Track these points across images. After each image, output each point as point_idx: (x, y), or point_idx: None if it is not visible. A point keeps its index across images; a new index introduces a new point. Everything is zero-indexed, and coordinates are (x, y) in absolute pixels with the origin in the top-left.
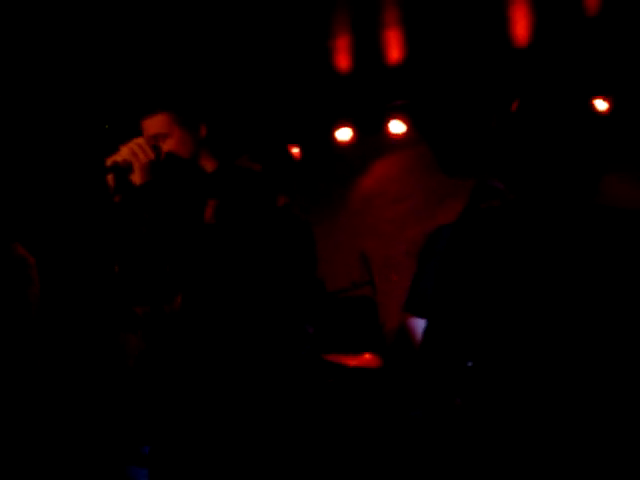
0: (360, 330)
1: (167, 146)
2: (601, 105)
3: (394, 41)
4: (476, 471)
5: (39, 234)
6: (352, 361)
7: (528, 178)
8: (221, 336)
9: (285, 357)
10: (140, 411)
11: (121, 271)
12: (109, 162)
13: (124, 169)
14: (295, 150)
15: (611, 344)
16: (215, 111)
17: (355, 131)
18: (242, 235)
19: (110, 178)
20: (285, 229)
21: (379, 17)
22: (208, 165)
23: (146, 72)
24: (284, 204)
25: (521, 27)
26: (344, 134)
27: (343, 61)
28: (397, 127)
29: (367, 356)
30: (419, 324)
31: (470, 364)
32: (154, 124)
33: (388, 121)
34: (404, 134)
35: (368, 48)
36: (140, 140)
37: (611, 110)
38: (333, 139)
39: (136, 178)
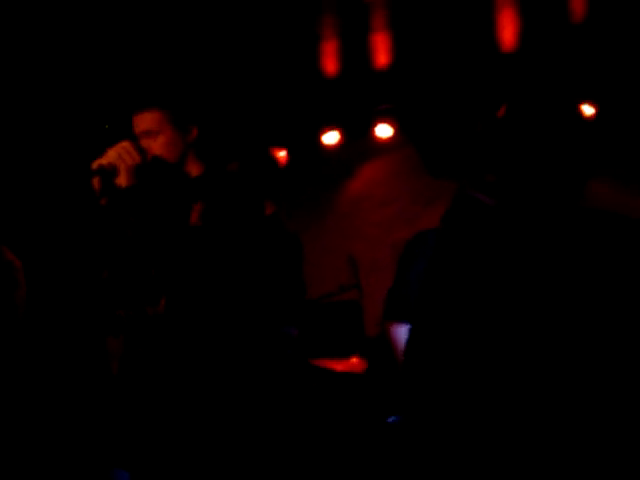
0: (347, 334)
1: (156, 144)
2: (587, 110)
3: (381, 45)
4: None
5: (25, 237)
6: (339, 365)
7: (515, 182)
8: (204, 339)
9: (267, 360)
10: (123, 415)
11: (108, 275)
12: (95, 165)
13: (110, 172)
14: (282, 154)
15: (596, 348)
16: (206, 114)
17: (342, 135)
18: (227, 239)
19: (96, 181)
20: (271, 236)
21: (366, 21)
22: (194, 169)
23: (139, 70)
24: (272, 212)
25: (508, 32)
26: (331, 138)
27: (330, 65)
28: (384, 131)
29: (354, 360)
30: (400, 330)
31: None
32: (146, 120)
33: (375, 125)
34: (391, 138)
35: (355, 52)
36: (126, 143)
37: (597, 115)
38: (320, 143)
39: (122, 181)
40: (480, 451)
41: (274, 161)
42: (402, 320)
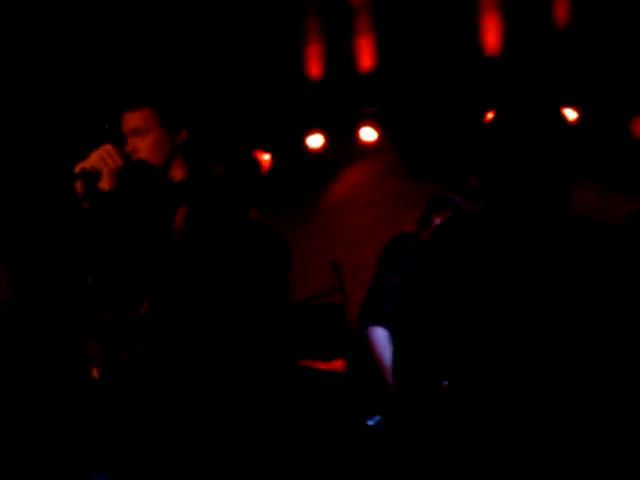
0: (331, 337)
1: (143, 144)
2: (570, 115)
3: (365, 48)
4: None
5: (8, 241)
6: (323, 367)
7: (499, 187)
8: (188, 341)
9: (252, 362)
10: (103, 419)
11: (92, 279)
12: (77, 169)
13: (92, 176)
14: (266, 157)
15: (579, 352)
16: (196, 117)
17: (326, 138)
18: (211, 243)
19: (78, 185)
20: (255, 239)
21: (351, 24)
22: (179, 172)
23: (128, 71)
24: (254, 217)
25: (492, 36)
26: (315, 141)
27: (315, 68)
28: (368, 134)
29: (338, 362)
30: (378, 333)
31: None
32: (135, 118)
33: (359, 128)
34: (375, 141)
35: (339, 55)
36: (109, 146)
37: (579, 120)
38: (304, 146)
39: (104, 184)
40: (473, 452)
41: (257, 165)
42: (379, 323)
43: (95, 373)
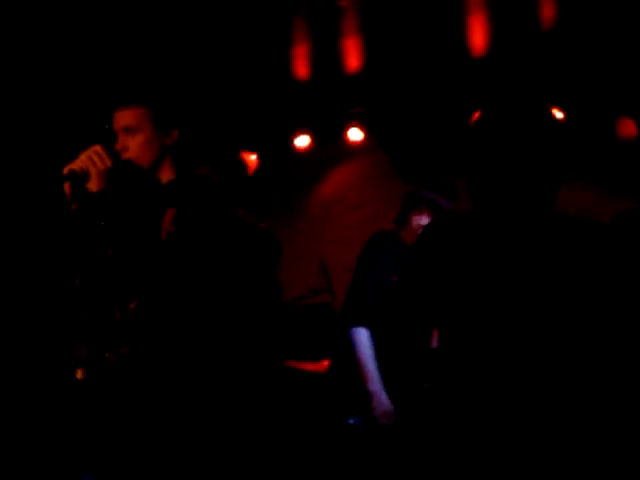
0: (319, 337)
1: (134, 142)
2: (557, 115)
3: (352, 49)
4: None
5: None
6: (310, 368)
7: (487, 186)
8: (176, 342)
9: (240, 363)
10: (89, 420)
11: (79, 280)
12: (66, 170)
13: (81, 177)
14: (253, 157)
15: (566, 347)
16: (187, 118)
17: (313, 138)
18: (200, 243)
19: (67, 186)
20: (242, 238)
21: (338, 25)
22: (166, 174)
23: (121, 70)
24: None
25: (478, 37)
26: (302, 141)
27: (302, 68)
28: (355, 135)
29: (326, 363)
30: (360, 333)
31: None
32: (127, 116)
33: (346, 128)
34: (362, 141)
35: (326, 56)
36: (98, 147)
37: (566, 120)
38: (291, 146)
39: (93, 185)
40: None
41: (243, 166)
42: (361, 324)
43: (80, 374)
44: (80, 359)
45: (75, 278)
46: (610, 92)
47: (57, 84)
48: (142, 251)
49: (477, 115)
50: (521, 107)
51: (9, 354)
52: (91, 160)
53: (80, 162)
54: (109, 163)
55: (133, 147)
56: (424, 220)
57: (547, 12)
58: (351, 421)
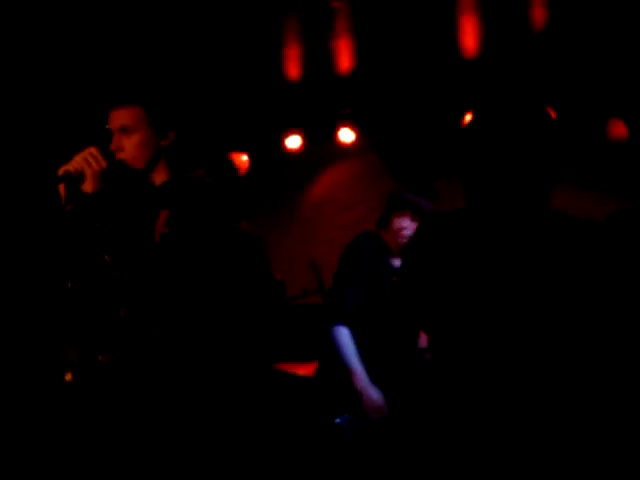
0: (310, 338)
1: (130, 142)
2: (552, 114)
3: (344, 50)
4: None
5: None
6: (302, 369)
7: (481, 186)
8: (168, 343)
9: (232, 366)
10: (80, 424)
11: (72, 282)
12: (61, 171)
13: (76, 178)
14: (244, 158)
15: (561, 345)
16: (184, 120)
17: (304, 139)
18: (192, 245)
19: (62, 187)
20: (235, 242)
21: (329, 26)
22: (160, 175)
23: (117, 70)
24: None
25: (470, 39)
26: (294, 142)
27: (293, 69)
28: (346, 135)
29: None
30: (342, 333)
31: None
32: (123, 115)
33: (338, 129)
34: (354, 142)
35: (318, 57)
36: (93, 149)
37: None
38: (283, 147)
39: (87, 187)
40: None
41: (233, 168)
42: (342, 323)
43: (69, 377)
44: (70, 362)
45: (67, 280)
46: (601, 93)
47: (54, 84)
48: (136, 253)
49: (472, 114)
50: (516, 106)
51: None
52: (86, 161)
53: (75, 163)
54: (104, 164)
55: (128, 147)
56: (405, 222)
57: (538, 13)
58: (338, 420)
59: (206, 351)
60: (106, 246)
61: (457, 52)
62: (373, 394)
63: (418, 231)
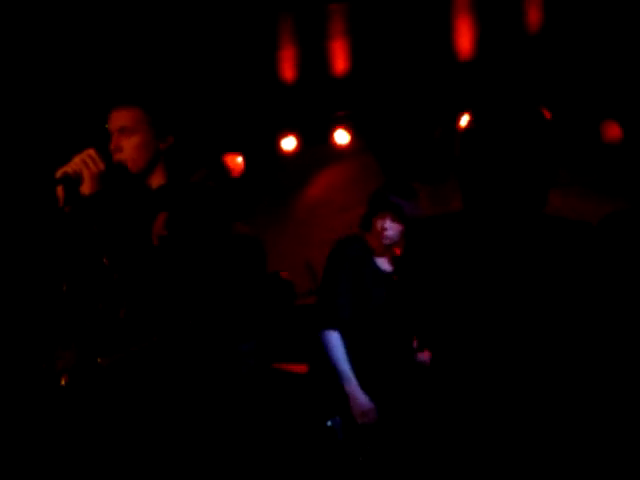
0: (306, 339)
1: (129, 143)
2: (548, 116)
3: (339, 52)
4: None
5: None
6: (298, 369)
7: (479, 189)
8: (165, 347)
9: (229, 369)
10: (74, 428)
11: (67, 285)
12: (59, 173)
13: (74, 180)
14: (239, 160)
15: (560, 348)
16: (183, 123)
17: (300, 141)
18: (191, 247)
19: (60, 189)
20: (233, 244)
21: (325, 28)
22: (157, 178)
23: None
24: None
25: (465, 41)
26: (289, 144)
27: (288, 71)
28: (341, 137)
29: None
30: (332, 336)
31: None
32: (123, 116)
33: (333, 131)
34: (349, 144)
35: (313, 59)
36: (91, 151)
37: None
38: (278, 149)
39: (85, 189)
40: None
41: (226, 170)
42: (331, 326)
43: (64, 381)
44: (65, 365)
45: (63, 283)
46: (596, 95)
47: (53, 85)
48: (133, 255)
49: (469, 117)
50: (512, 108)
51: None
52: (84, 163)
53: (73, 165)
54: (102, 166)
55: (127, 148)
56: (387, 223)
57: (533, 16)
58: (329, 423)
59: (206, 351)
60: (104, 248)
61: (452, 54)
62: (361, 398)
63: (415, 235)
